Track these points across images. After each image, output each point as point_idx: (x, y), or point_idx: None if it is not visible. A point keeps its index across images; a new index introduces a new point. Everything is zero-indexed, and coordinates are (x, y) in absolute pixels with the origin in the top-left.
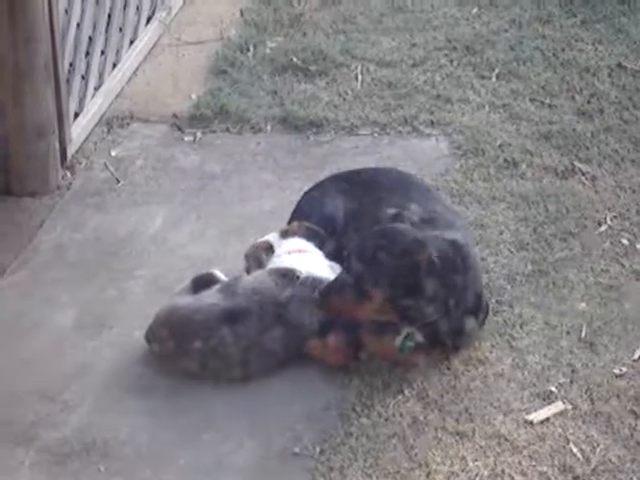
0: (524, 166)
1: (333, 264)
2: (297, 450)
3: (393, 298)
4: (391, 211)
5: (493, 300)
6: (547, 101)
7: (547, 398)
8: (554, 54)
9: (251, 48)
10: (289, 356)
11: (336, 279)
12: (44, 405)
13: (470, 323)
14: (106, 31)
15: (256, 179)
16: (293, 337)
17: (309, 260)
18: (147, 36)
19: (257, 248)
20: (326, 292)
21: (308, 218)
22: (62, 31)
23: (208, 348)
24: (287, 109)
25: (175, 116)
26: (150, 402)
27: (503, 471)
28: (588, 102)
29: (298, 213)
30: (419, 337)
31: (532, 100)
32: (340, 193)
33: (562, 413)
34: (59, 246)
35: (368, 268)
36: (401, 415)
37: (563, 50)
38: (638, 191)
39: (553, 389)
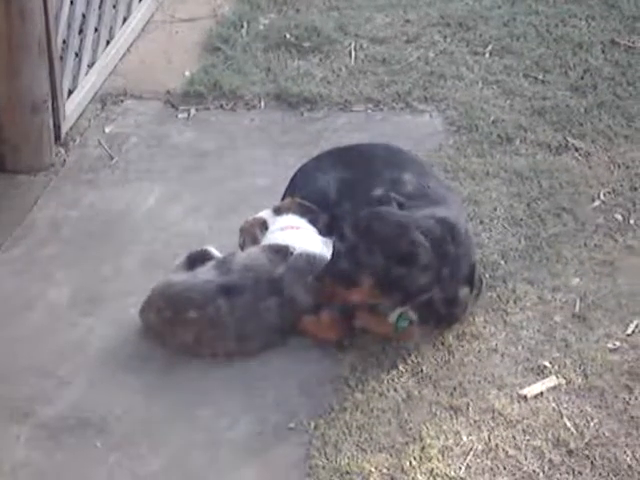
0: (518, 142)
1: (326, 240)
2: (292, 425)
3: (382, 280)
4: (377, 193)
5: (487, 275)
6: (540, 77)
7: (541, 373)
8: (547, 30)
9: (244, 25)
10: (284, 330)
11: (325, 266)
12: (40, 381)
13: (463, 292)
14: (99, 8)
15: (250, 155)
16: (288, 312)
17: (302, 236)
18: (140, 13)
19: (251, 225)
20: (317, 279)
21: (302, 194)
22: (56, 8)
23: (204, 318)
24: (281, 86)
25: (169, 93)
26: (145, 378)
27: (497, 445)
28: (581, 78)
29: (292, 189)
30: (412, 315)
31: (525, 76)
32: (333, 168)
33: (556, 387)
34: (53, 223)
35: (355, 254)
36: (395, 390)
37: (556, 26)
38: (631, 166)
39: (547, 364)
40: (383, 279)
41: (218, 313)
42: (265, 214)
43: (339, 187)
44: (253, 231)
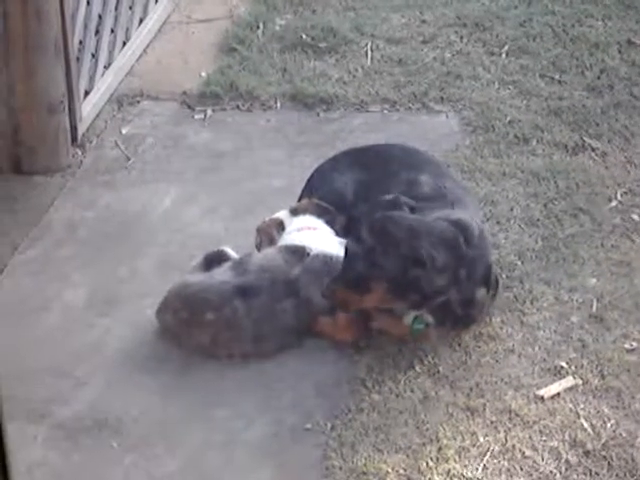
0: (534, 142)
1: (343, 241)
2: (308, 426)
3: (396, 283)
4: (388, 196)
5: (503, 276)
6: (557, 77)
7: (558, 373)
8: (564, 30)
9: (260, 25)
10: (300, 331)
11: (339, 273)
12: (56, 382)
13: (480, 294)
14: (116, 9)
15: (266, 156)
16: (304, 313)
17: (319, 237)
18: (157, 14)
19: (268, 225)
20: (330, 287)
21: (318, 194)
22: (72, 9)
23: (221, 320)
24: (297, 86)
25: (185, 94)
26: (162, 379)
27: (514, 446)
28: (598, 78)
29: (308, 190)
30: (428, 318)
31: (542, 76)
32: (350, 169)
33: (573, 388)
34: (70, 224)
35: (370, 257)
36: (412, 391)
37: (573, 26)
38: None
39: (564, 364)
40: (397, 283)
41: (235, 315)
42: (282, 215)
43: (356, 188)
44: (270, 231)
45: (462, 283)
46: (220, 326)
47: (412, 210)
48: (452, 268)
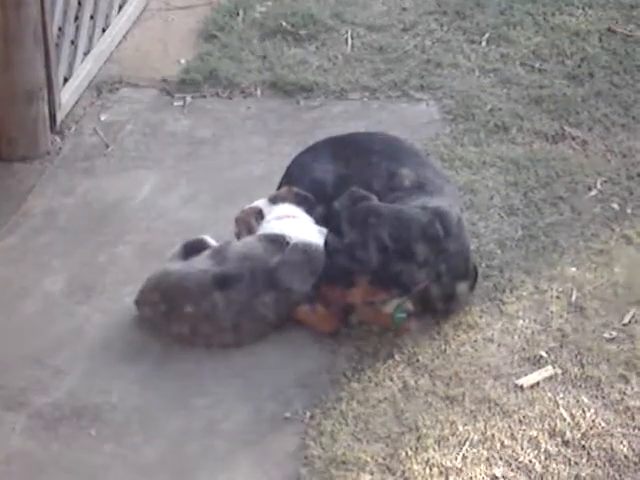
0: (514, 131)
1: (322, 229)
2: (288, 415)
3: (379, 275)
4: (345, 194)
5: (483, 265)
6: (537, 65)
7: (537, 363)
8: (544, 18)
9: (240, 12)
10: (280, 321)
11: (322, 272)
12: (35, 370)
13: (461, 287)
14: None
15: (246, 144)
16: (284, 302)
17: (299, 226)
18: (136, 1)
19: (247, 214)
20: (315, 286)
21: (298, 183)
22: None
23: (200, 312)
24: (277, 74)
25: (165, 81)
26: (141, 367)
27: (493, 435)
28: (578, 66)
29: (288, 178)
30: (410, 306)
31: (522, 64)
32: (330, 158)
33: (552, 377)
34: (49, 211)
35: (348, 255)
36: (391, 380)
37: (553, 14)
38: (628, 155)
39: (543, 354)
40: (381, 274)
41: (214, 308)
42: (261, 203)
43: (335, 177)
44: (249, 220)
45: (442, 277)
46: (199, 318)
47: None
48: (433, 256)
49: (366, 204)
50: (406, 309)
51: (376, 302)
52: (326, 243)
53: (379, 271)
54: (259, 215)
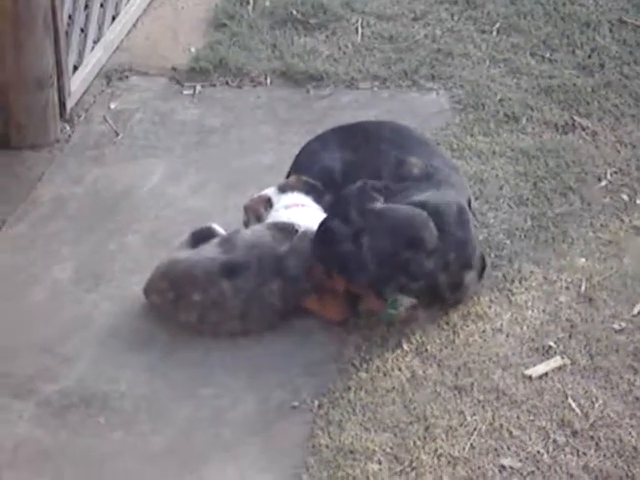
0: (524, 121)
1: None
2: (296, 404)
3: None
4: (355, 185)
5: (492, 255)
6: (548, 55)
7: (546, 353)
8: (555, 8)
9: (251, 1)
10: (288, 309)
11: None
12: (43, 358)
13: (469, 276)
14: None
15: (255, 133)
16: (291, 291)
17: (307, 214)
18: None
19: (256, 202)
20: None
21: (306, 172)
22: None
23: (207, 300)
24: (287, 62)
25: (174, 69)
26: (149, 356)
27: (501, 425)
28: (589, 57)
29: (297, 167)
30: (404, 300)
31: (533, 54)
32: (338, 146)
33: (561, 368)
34: (58, 199)
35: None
36: (400, 369)
37: (564, 4)
38: (638, 146)
39: (552, 344)
40: (386, 266)
41: (222, 296)
42: (270, 192)
43: (344, 166)
44: (257, 208)
45: (450, 266)
46: (207, 306)
47: (382, 191)
48: (438, 252)
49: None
50: (399, 304)
51: (382, 293)
52: (331, 230)
53: (384, 263)
54: (268, 203)
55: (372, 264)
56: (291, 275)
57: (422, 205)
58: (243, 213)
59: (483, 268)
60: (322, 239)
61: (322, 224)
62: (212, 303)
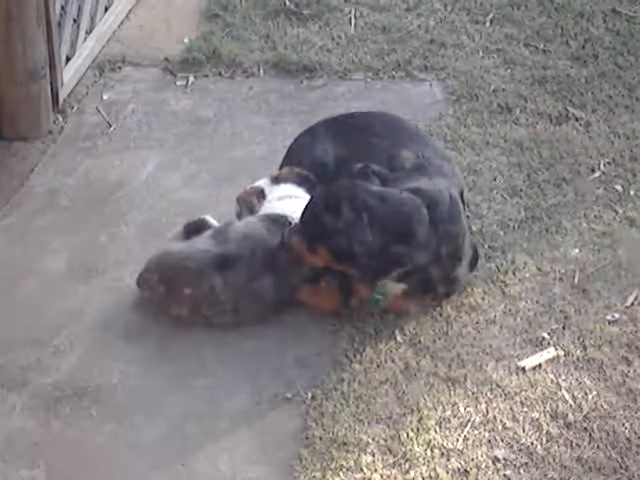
0: (518, 111)
1: None
2: (289, 395)
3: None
4: (357, 166)
5: (485, 246)
6: (541, 46)
7: (539, 344)
8: None
9: None
10: (280, 303)
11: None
12: (35, 350)
13: (459, 269)
14: None
15: (248, 124)
16: (284, 284)
17: (300, 206)
18: None
19: (248, 194)
20: (290, 237)
21: (299, 163)
22: None
23: (199, 295)
24: (280, 53)
25: (167, 60)
26: (142, 348)
27: (494, 417)
28: (582, 47)
29: (289, 158)
30: (396, 287)
31: (526, 45)
32: (331, 138)
33: (554, 359)
34: (50, 191)
35: (311, 226)
36: (393, 361)
37: None
38: (632, 137)
39: (545, 335)
40: (378, 257)
41: (213, 290)
42: (263, 183)
43: (336, 162)
44: (250, 200)
45: (441, 258)
46: (198, 300)
47: (382, 178)
48: (426, 240)
49: (356, 188)
50: (385, 291)
51: (376, 282)
52: (323, 224)
53: (377, 253)
54: (261, 195)
55: (362, 250)
56: (283, 268)
57: (416, 192)
58: (236, 204)
59: (476, 259)
60: (313, 211)
61: (313, 198)
62: (203, 297)
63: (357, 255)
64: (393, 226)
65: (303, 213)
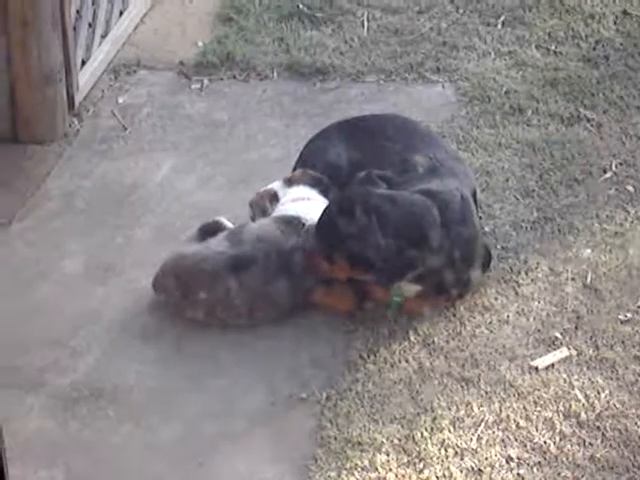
0: (530, 113)
1: None
2: (304, 396)
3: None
4: (360, 174)
5: (498, 247)
6: (553, 48)
7: (552, 344)
8: (560, 1)
9: None
10: (294, 305)
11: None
12: (53, 351)
13: (472, 269)
14: None
15: (262, 127)
16: (298, 286)
17: (314, 208)
18: None
19: (262, 197)
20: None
21: (312, 167)
22: None
23: (214, 298)
24: (293, 56)
25: (182, 63)
26: (158, 348)
27: (508, 417)
28: (593, 49)
29: (302, 162)
30: (412, 288)
31: (538, 47)
32: (343, 141)
33: (567, 359)
34: (67, 193)
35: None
36: (407, 361)
37: None
38: None
39: (558, 335)
40: (393, 261)
41: (228, 294)
42: (276, 185)
43: (349, 166)
44: (263, 203)
45: (455, 262)
46: (213, 304)
47: (389, 181)
48: (438, 242)
49: (364, 191)
50: (402, 293)
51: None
52: (337, 227)
53: (390, 258)
54: (274, 198)
55: (378, 255)
56: (297, 270)
57: (426, 193)
58: (249, 207)
59: (489, 260)
60: (328, 222)
61: (327, 208)
62: (218, 301)
63: (373, 260)
64: (406, 229)
65: (317, 226)
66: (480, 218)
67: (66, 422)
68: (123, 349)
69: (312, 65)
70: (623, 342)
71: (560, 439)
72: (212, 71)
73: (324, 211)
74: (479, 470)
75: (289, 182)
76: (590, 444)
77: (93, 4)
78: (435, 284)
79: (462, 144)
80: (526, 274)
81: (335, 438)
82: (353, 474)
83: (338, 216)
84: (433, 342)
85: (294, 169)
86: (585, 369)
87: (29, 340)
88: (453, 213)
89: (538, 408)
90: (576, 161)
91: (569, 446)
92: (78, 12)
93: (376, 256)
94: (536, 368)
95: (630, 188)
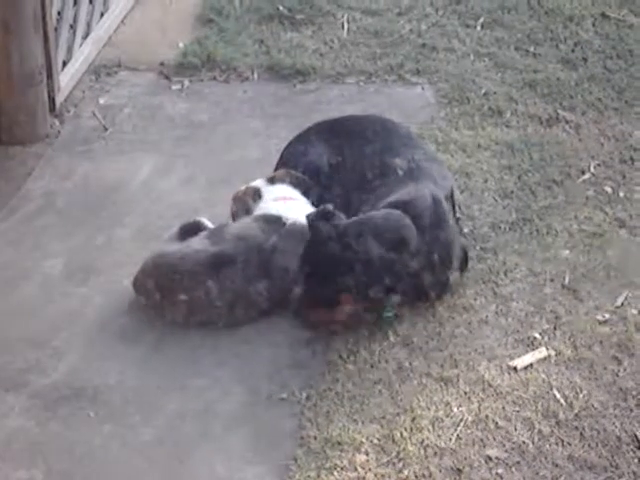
0: (509, 114)
1: None
2: (284, 396)
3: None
4: (311, 214)
5: (477, 248)
6: (532, 50)
7: (531, 344)
8: (539, 3)
9: None
10: (274, 305)
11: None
12: (33, 352)
13: (450, 272)
14: None
15: (243, 127)
16: (278, 286)
17: (295, 207)
18: None
19: (244, 193)
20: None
21: (293, 167)
22: None
23: (193, 300)
24: (274, 58)
25: (162, 64)
26: (139, 349)
27: (487, 416)
28: (572, 51)
29: (283, 162)
30: (397, 299)
31: (517, 49)
32: (323, 143)
33: (545, 359)
34: (48, 194)
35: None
36: (386, 361)
37: None
38: (621, 139)
39: (537, 335)
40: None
41: (207, 296)
42: (258, 183)
43: (329, 169)
44: (246, 200)
45: (434, 266)
46: (193, 306)
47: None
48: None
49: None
50: (393, 305)
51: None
52: (332, 266)
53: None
54: (256, 195)
55: (358, 268)
56: (277, 269)
57: (395, 205)
58: (231, 204)
59: (466, 260)
60: (312, 252)
61: (308, 258)
62: (198, 303)
63: (359, 281)
64: (388, 240)
65: (309, 278)
66: (459, 219)
67: (47, 422)
68: (104, 349)
69: (292, 66)
70: (601, 342)
71: (539, 439)
72: (193, 72)
73: (307, 262)
74: (458, 470)
75: (272, 180)
76: (569, 443)
77: (74, 5)
78: (414, 289)
79: (441, 145)
80: (505, 275)
81: (315, 438)
82: (333, 474)
83: (326, 258)
84: (412, 342)
85: (275, 170)
86: (564, 369)
87: (10, 340)
88: (426, 219)
89: (517, 408)
90: (555, 162)
91: (548, 446)
92: (59, 13)
93: (377, 273)
94: (515, 368)
95: (608, 189)
